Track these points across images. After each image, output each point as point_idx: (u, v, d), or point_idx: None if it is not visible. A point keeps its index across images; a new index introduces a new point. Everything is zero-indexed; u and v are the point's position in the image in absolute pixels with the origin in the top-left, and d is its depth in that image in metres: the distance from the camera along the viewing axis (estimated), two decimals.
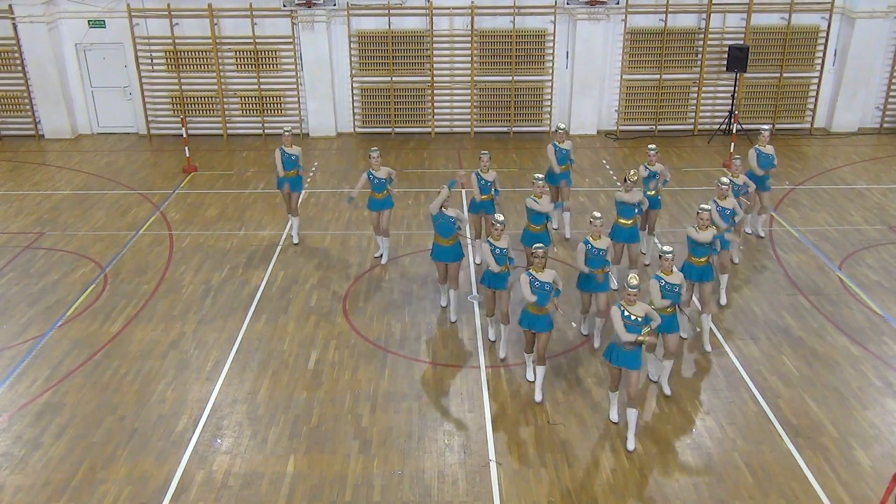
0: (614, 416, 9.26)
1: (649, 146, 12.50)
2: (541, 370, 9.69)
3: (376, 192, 12.60)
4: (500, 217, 10.19)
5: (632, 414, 8.81)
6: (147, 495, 8.23)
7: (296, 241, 13.85)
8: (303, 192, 14.07)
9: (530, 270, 9.40)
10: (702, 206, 10.31)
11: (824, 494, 8.19)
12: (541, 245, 9.66)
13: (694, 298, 10.83)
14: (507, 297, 10.45)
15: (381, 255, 13.12)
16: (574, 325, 11.25)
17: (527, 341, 9.85)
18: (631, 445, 8.82)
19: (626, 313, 8.58)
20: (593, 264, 10.26)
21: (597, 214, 10.16)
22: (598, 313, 10.66)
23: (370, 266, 12.99)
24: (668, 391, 9.74)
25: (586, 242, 10.21)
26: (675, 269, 9.39)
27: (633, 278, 8.55)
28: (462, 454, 8.79)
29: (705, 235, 10.30)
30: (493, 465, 8.60)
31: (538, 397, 9.65)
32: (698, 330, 10.82)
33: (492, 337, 10.89)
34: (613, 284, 11.86)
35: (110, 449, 8.89)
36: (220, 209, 15.29)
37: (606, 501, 8.14)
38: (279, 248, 13.62)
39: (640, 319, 8.58)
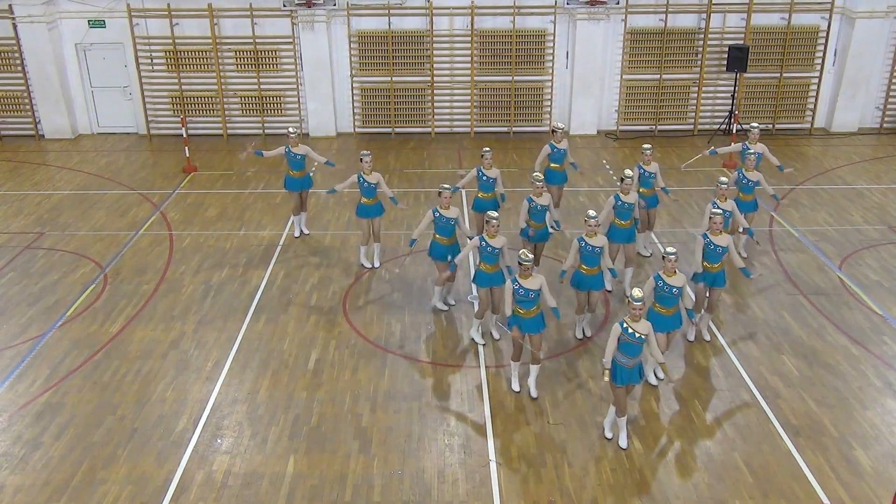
0: (609, 433, 9.05)
1: (644, 146, 12.48)
2: (534, 368, 9.64)
3: (367, 197, 12.38)
4: (494, 213, 10.13)
5: (621, 421, 8.84)
6: (147, 495, 8.23)
7: (306, 232, 14.01)
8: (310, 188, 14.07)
9: (516, 277, 9.24)
10: (713, 210, 10.16)
11: (824, 494, 8.19)
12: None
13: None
14: (500, 293, 10.42)
15: (371, 266, 12.83)
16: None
17: (515, 347, 9.57)
18: (623, 444, 8.84)
19: (629, 330, 8.37)
20: (589, 262, 10.26)
21: (591, 213, 10.14)
22: (590, 309, 10.68)
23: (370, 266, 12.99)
24: (652, 380, 9.86)
25: (581, 240, 10.22)
26: (678, 271, 9.29)
27: (637, 291, 8.34)
28: (462, 454, 8.79)
29: (721, 240, 10.21)
30: (493, 465, 8.60)
31: (534, 393, 9.68)
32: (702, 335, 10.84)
33: (480, 340, 10.77)
34: (608, 286, 11.88)
35: (110, 449, 8.89)
36: (220, 209, 15.28)
37: (606, 501, 8.14)
38: (279, 248, 13.62)
39: (642, 337, 8.38)
